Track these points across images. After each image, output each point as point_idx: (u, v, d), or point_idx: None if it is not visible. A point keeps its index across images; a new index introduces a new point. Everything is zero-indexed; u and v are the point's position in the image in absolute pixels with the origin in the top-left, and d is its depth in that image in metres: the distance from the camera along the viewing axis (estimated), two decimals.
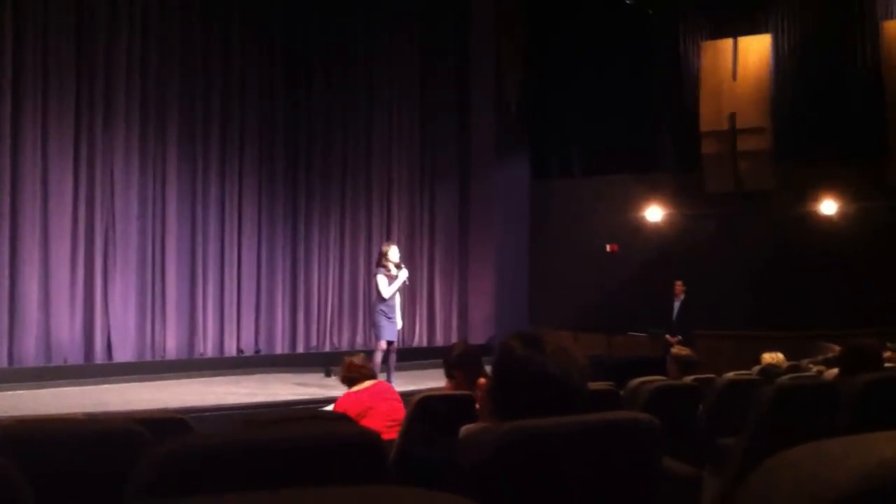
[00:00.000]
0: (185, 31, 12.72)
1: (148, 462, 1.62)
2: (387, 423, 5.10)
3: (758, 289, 14.15)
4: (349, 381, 5.78)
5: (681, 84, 15.46)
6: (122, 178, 12.02)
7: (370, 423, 4.99)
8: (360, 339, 14.32)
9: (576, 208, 15.91)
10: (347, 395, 5.66)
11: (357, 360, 5.96)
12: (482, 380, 4.64)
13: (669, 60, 15.57)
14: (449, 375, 4.84)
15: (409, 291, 15.55)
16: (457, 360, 4.79)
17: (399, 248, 15.56)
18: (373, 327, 10.85)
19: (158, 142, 12.45)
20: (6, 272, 10.88)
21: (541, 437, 1.74)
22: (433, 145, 15.77)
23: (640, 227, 15.48)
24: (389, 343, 10.44)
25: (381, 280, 10.42)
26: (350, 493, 0.89)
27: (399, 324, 10.73)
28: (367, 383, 5.68)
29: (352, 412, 5.11)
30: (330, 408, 5.61)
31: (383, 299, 10.39)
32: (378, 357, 10.16)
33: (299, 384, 11.24)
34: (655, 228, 15.43)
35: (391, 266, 10.48)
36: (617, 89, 15.58)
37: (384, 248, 10.81)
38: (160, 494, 1.56)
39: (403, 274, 10.53)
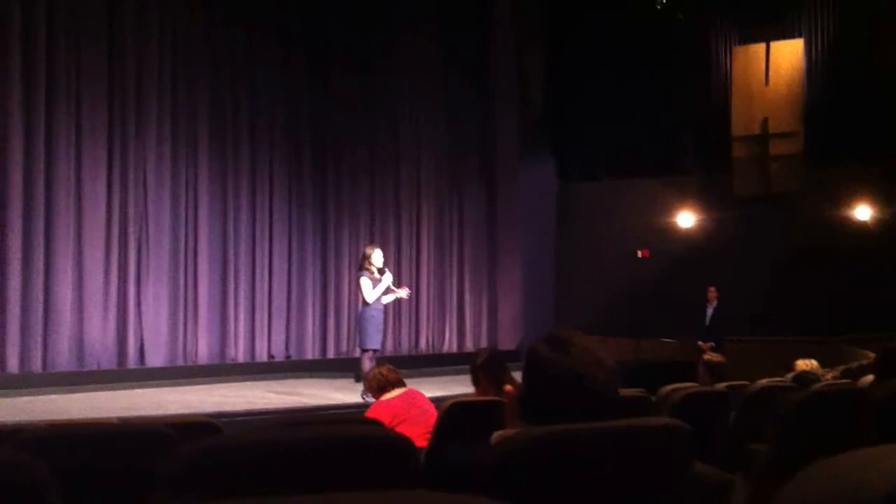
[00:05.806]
0: (210, 35, 12.78)
1: (175, 459, 1.63)
2: (421, 430, 4.89)
3: (785, 293, 14.01)
4: (378, 390, 5.51)
5: (709, 87, 15.38)
6: (155, 183, 12.10)
7: (404, 430, 4.76)
8: (389, 345, 14.32)
9: (602, 211, 15.86)
10: (378, 403, 5.42)
11: (382, 369, 5.64)
12: (508, 386, 4.63)
13: (698, 64, 15.49)
14: (475, 381, 4.83)
15: (438, 297, 15.58)
16: (482, 366, 4.78)
17: (429, 254, 15.73)
18: (358, 333, 10.24)
19: (190, 146, 12.53)
20: (40, 277, 10.96)
21: (571, 441, 1.74)
22: (458, 150, 15.76)
23: (667, 230, 15.39)
24: (374, 351, 10.02)
25: (366, 283, 9.89)
26: (379, 497, 0.89)
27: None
28: (398, 391, 5.44)
29: (385, 421, 4.96)
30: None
31: (367, 304, 9.92)
32: (367, 365, 9.73)
33: (330, 389, 11.27)
34: (682, 231, 15.34)
35: (374, 270, 9.98)
36: (642, 92, 15.52)
37: (368, 251, 10.16)
38: (187, 492, 1.57)
39: (388, 278, 10.02)
